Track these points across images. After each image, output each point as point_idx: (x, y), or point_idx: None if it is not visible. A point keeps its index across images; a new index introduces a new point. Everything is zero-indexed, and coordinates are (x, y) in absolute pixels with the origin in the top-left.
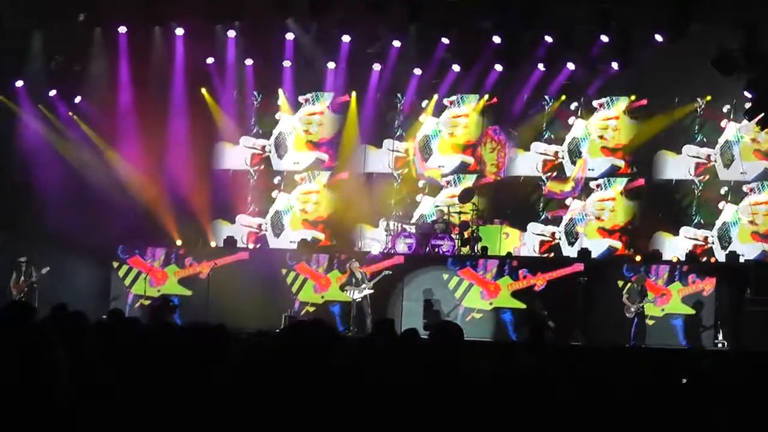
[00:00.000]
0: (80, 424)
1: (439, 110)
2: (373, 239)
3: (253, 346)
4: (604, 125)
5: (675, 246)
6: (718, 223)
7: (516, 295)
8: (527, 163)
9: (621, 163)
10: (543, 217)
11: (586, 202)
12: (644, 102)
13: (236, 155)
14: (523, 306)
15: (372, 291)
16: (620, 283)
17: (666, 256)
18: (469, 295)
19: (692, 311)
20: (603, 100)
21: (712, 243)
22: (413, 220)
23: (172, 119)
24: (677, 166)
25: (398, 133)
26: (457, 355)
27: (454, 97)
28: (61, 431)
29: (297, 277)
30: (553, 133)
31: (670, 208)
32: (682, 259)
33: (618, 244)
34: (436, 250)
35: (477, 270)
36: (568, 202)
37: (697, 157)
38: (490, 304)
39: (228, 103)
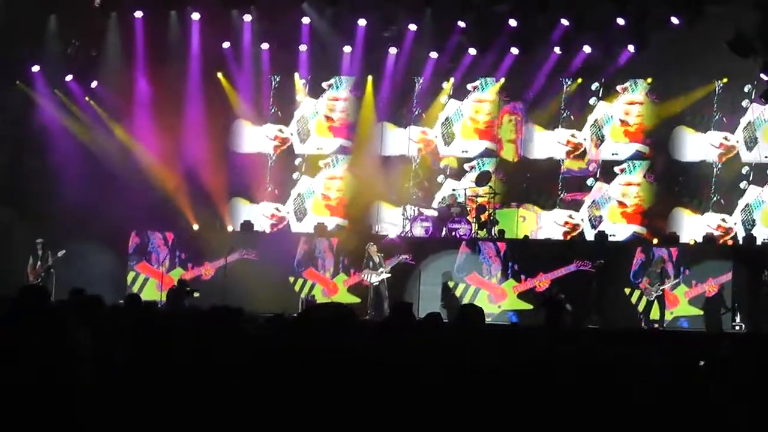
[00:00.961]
0: (100, 403)
1: (457, 94)
2: (390, 223)
3: (270, 329)
4: (628, 109)
5: (695, 224)
6: (741, 204)
7: (522, 296)
8: (546, 145)
9: (645, 149)
10: (561, 196)
11: (606, 185)
12: (660, 84)
13: (254, 138)
14: (529, 306)
15: (389, 275)
16: (627, 291)
17: (684, 239)
18: (477, 300)
19: (700, 312)
20: (627, 84)
21: (735, 224)
22: (435, 204)
23: (188, 104)
24: (696, 147)
25: (416, 113)
26: (479, 337)
27: (477, 82)
28: (82, 410)
29: (305, 283)
30: (572, 115)
31: (689, 189)
32: (700, 241)
33: (642, 230)
34: (453, 233)
35: (483, 275)
36: (589, 182)
37: (718, 139)
38: (499, 307)
39: (244, 87)
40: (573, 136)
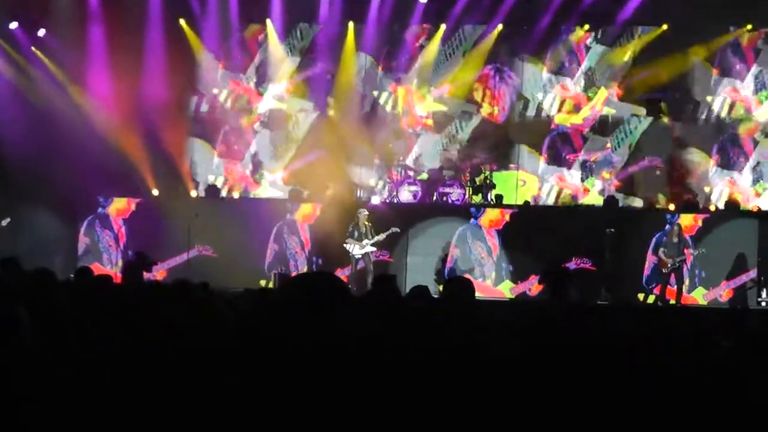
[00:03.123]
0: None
1: (447, 42)
2: (374, 187)
3: (243, 305)
4: (630, 58)
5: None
6: (751, 162)
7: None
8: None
9: (642, 111)
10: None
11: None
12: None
13: (218, 92)
14: None
15: (374, 250)
16: (641, 297)
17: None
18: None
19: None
20: (637, 32)
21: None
22: (410, 160)
23: (147, 54)
24: (713, 101)
25: (402, 66)
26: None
27: (468, 28)
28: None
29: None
30: (572, 66)
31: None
32: (721, 207)
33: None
34: (445, 198)
35: (476, 277)
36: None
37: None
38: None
39: (210, 36)
40: (565, 88)
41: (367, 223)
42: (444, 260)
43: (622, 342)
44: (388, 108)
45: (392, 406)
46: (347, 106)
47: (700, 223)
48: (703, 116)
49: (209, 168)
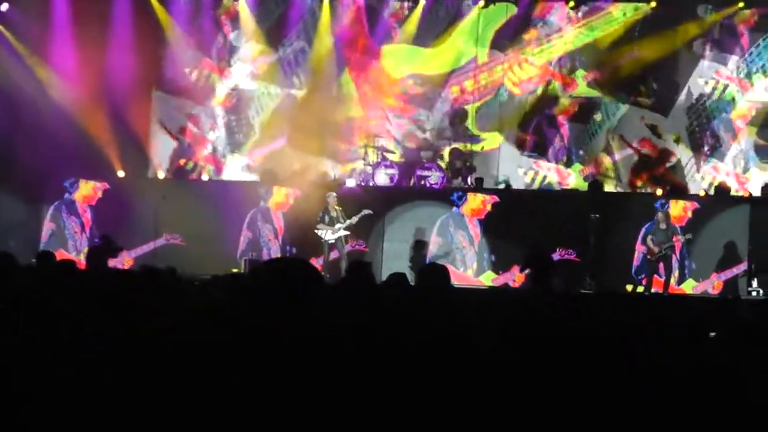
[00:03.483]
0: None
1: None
2: (350, 171)
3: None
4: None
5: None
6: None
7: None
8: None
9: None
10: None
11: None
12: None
13: (189, 70)
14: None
15: (348, 233)
16: (629, 288)
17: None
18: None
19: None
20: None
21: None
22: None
23: (113, 28)
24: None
25: (383, 38)
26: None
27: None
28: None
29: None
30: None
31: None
32: (711, 193)
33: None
34: (423, 182)
35: (458, 267)
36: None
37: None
38: None
39: (179, 12)
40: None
41: (337, 207)
42: (419, 246)
43: (612, 332)
44: (366, 88)
45: (379, 398)
46: (321, 86)
47: (689, 214)
48: (686, 99)
49: (178, 149)
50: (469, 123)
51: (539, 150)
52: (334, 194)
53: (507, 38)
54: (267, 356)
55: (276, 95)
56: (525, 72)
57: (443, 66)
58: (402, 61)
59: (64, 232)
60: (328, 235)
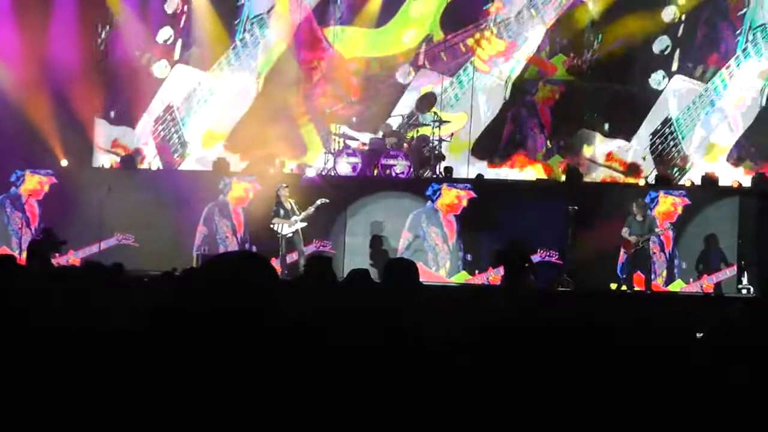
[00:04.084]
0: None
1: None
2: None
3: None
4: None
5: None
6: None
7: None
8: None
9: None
10: None
11: None
12: None
13: (139, 54)
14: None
15: (305, 225)
16: (613, 286)
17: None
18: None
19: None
20: None
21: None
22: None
23: (56, 7)
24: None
25: (345, 12)
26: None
27: None
28: None
29: None
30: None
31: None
32: (697, 183)
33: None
34: (388, 171)
35: (430, 266)
36: None
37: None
38: None
39: None
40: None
41: (290, 199)
42: (376, 242)
43: (596, 325)
44: (327, 73)
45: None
46: (281, 72)
47: (680, 210)
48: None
49: (125, 137)
50: (436, 106)
51: (517, 140)
52: (285, 185)
53: (470, 12)
54: (207, 355)
55: (230, 81)
56: (494, 47)
57: (402, 46)
58: (358, 43)
59: (7, 229)
60: (285, 229)
